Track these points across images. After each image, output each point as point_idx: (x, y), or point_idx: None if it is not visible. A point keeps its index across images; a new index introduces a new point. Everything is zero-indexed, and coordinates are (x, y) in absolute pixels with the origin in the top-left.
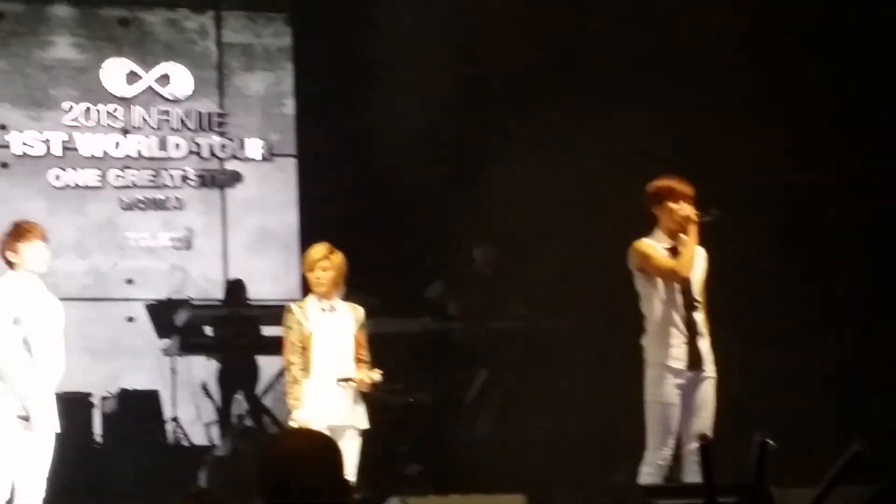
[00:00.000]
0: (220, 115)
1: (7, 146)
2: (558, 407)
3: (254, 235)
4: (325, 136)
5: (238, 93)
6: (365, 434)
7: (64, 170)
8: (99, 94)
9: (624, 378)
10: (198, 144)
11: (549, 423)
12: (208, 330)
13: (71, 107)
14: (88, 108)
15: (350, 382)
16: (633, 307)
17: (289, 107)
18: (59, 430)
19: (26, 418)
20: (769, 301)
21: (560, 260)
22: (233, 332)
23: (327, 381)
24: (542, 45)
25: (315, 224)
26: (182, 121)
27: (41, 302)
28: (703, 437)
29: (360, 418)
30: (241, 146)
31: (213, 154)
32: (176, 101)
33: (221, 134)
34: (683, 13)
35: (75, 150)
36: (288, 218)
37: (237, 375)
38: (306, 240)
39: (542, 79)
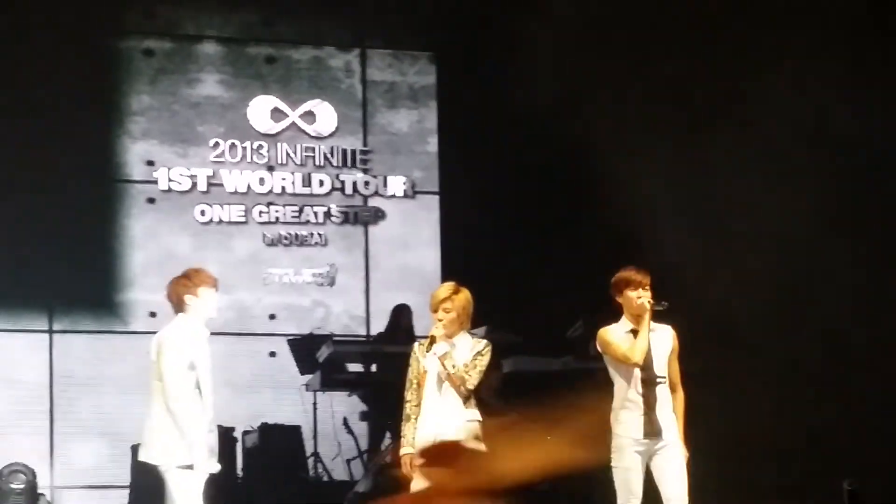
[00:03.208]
0: (363, 153)
1: (154, 182)
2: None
3: (396, 272)
4: (467, 174)
5: (382, 130)
6: None
7: (209, 205)
8: (244, 131)
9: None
10: (342, 181)
11: None
12: (350, 366)
13: (217, 143)
14: (234, 145)
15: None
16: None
17: (432, 144)
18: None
19: (190, 467)
20: None
21: (711, 295)
22: (375, 368)
23: (436, 418)
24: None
25: (457, 261)
26: (326, 158)
27: (205, 348)
28: None
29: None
30: (385, 183)
31: (356, 191)
32: (320, 138)
33: (365, 171)
34: None
35: (221, 185)
36: (430, 255)
37: (379, 411)
38: (448, 277)
39: (700, 112)
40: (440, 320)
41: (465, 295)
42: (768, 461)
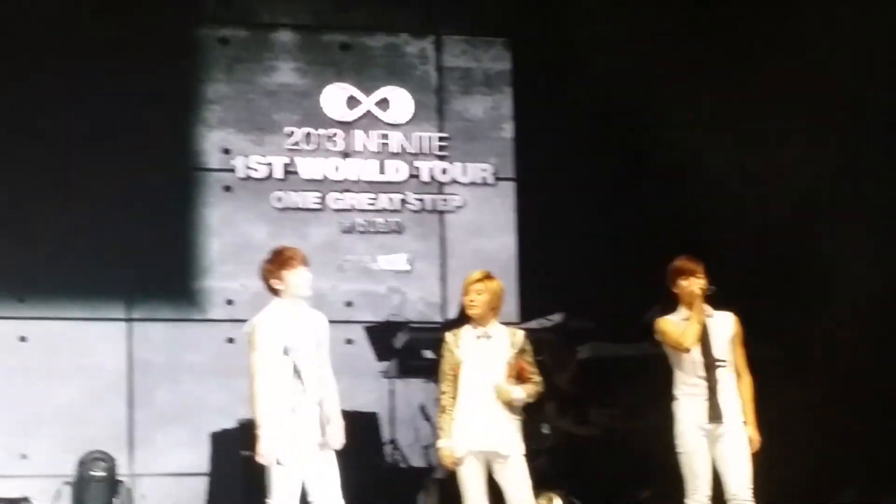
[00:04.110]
0: (439, 139)
1: (230, 170)
2: (781, 429)
3: (472, 259)
4: (543, 160)
5: (457, 117)
6: (584, 458)
7: (285, 193)
8: (319, 119)
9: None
10: (417, 168)
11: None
12: (427, 353)
13: (292, 131)
14: (309, 133)
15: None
16: None
17: (507, 130)
18: (338, 447)
19: (251, 455)
20: None
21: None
22: None
23: (477, 408)
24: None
25: (533, 247)
26: (401, 145)
27: (306, 326)
28: None
29: (510, 444)
30: (460, 170)
31: (432, 178)
32: (395, 126)
33: (440, 158)
34: None
35: (296, 173)
36: (506, 241)
37: None
38: (524, 263)
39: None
40: (472, 301)
41: (498, 282)
42: (837, 450)
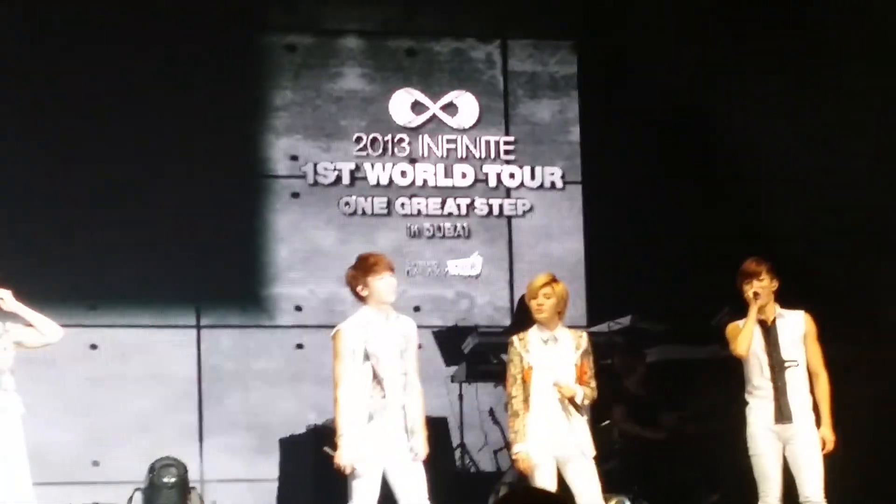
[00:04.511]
0: (506, 143)
1: (299, 176)
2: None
3: (540, 263)
4: (610, 163)
5: (524, 121)
6: (653, 461)
7: (353, 198)
8: (386, 124)
9: None
10: (485, 173)
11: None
12: (495, 357)
13: (359, 137)
14: (376, 138)
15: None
16: None
17: (574, 134)
18: (420, 459)
19: (331, 455)
20: None
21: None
22: None
23: (548, 412)
24: None
25: (601, 250)
26: (468, 149)
27: (390, 332)
28: None
29: (582, 446)
30: (527, 174)
31: (499, 182)
32: (462, 130)
33: (508, 162)
34: None
35: (364, 179)
36: (574, 245)
37: None
38: (592, 267)
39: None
40: (539, 305)
41: (563, 286)
42: None
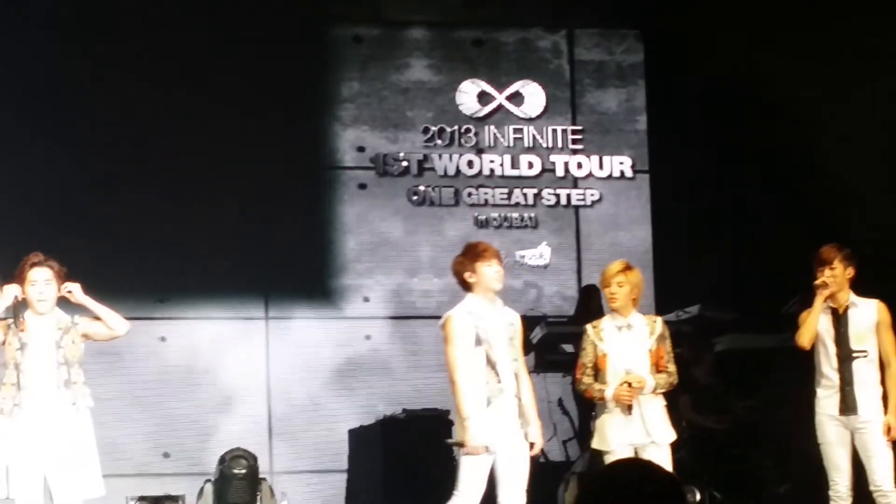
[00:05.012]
0: (574, 132)
1: (366, 167)
2: None
3: (607, 252)
4: (677, 151)
5: (590, 110)
6: (722, 451)
7: (420, 189)
8: (453, 115)
9: None
10: (552, 162)
11: None
12: (564, 347)
13: (426, 127)
14: (443, 129)
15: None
16: None
17: (641, 123)
18: (539, 450)
19: (458, 444)
20: None
21: None
22: None
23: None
24: None
25: (669, 239)
26: (535, 139)
27: (499, 320)
28: None
29: (660, 433)
30: (595, 163)
31: (566, 171)
32: (529, 120)
33: (574, 151)
34: None
35: (431, 169)
36: (641, 234)
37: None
38: (660, 256)
39: None
40: (613, 294)
41: (637, 273)
42: None
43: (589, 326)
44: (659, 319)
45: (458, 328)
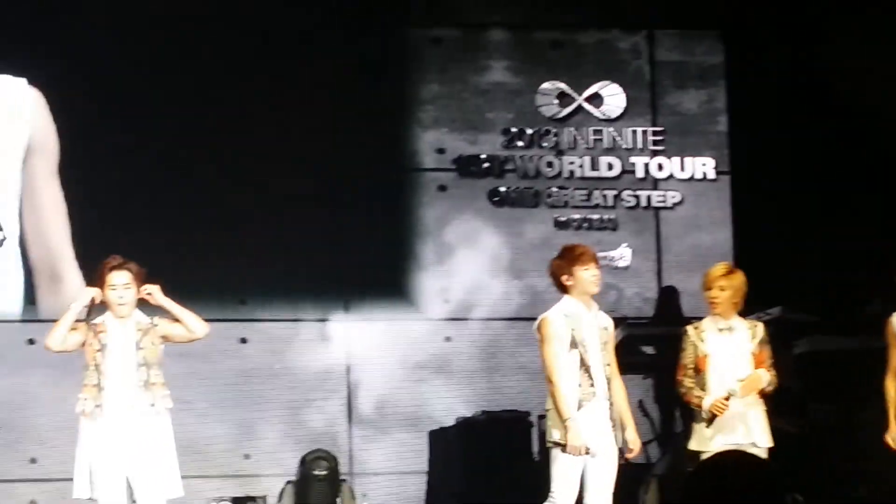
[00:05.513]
0: (654, 134)
1: (446, 169)
2: None
3: (688, 254)
4: (759, 153)
5: (671, 111)
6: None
7: (500, 190)
8: (532, 116)
9: None
10: (632, 164)
11: None
12: (644, 349)
13: (506, 129)
14: (522, 130)
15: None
16: None
17: (722, 124)
18: (636, 454)
19: (559, 445)
20: None
21: None
22: (669, 350)
23: (735, 414)
24: None
25: (750, 241)
26: (615, 140)
27: (593, 324)
28: None
29: (761, 436)
30: (676, 165)
31: (647, 173)
32: (608, 121)
33: (655, 153)
34: None
35: (511, 171)
36: (722, 236)
37: (674, 394)
38: (741, 257)
39: None
40: (714, 297)
41: (741, 276)
42: None
43: (690, 327)
44: (759, 324)
45: (554, 329)
